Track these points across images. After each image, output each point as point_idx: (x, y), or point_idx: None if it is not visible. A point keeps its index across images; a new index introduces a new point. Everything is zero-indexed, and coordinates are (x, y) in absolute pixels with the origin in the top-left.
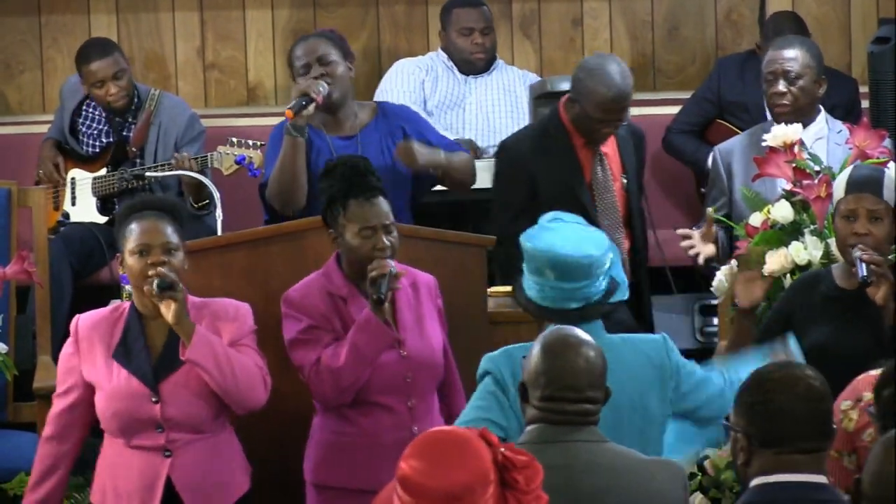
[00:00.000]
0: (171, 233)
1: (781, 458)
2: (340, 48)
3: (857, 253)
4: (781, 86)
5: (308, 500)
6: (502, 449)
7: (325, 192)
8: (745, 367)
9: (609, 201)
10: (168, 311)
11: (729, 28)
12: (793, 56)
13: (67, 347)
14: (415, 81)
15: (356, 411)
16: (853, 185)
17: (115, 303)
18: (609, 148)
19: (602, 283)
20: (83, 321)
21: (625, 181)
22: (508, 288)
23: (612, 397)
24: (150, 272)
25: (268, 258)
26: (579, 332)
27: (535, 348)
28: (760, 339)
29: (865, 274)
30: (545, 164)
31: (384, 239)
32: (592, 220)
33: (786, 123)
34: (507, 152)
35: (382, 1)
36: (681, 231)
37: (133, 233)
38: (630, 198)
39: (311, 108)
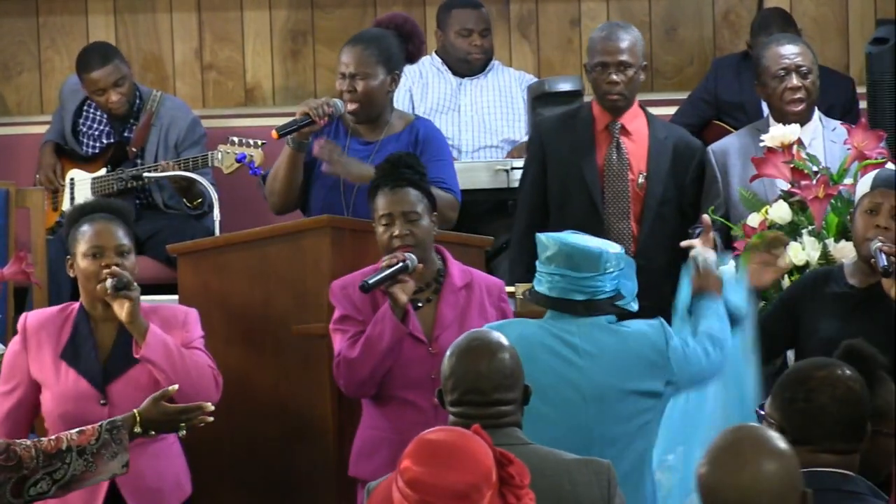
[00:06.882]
0: (122, 235)
1: (812, 455)
2: (386, 57)
3: (876, 244)
4: (796, 80)
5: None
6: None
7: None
8: (708, 318)
9: (619, 189)
10: (122, 309)
11: (727, 29)
12: (801, 51)
13: (14, 345)
14: (401, 89)
15: (383, 406)
16: (881, 182)
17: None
18: (636, 142)
19: (610, 283)
20: (31, 319)
21: (641, 180)
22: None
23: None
24: (105, 272)
25: (266, 258)
26: (491, 335)
27: (447, 353)
28: (762, 328)
29: (886, 264)
30: (561, 137)
31: (403, 227)
32: (595, 204)
33: (796, 120)
34: (537, 123)
35: (380, 2)
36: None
37: (85, 235)
38: (646, 198)
39: (313, 128)
